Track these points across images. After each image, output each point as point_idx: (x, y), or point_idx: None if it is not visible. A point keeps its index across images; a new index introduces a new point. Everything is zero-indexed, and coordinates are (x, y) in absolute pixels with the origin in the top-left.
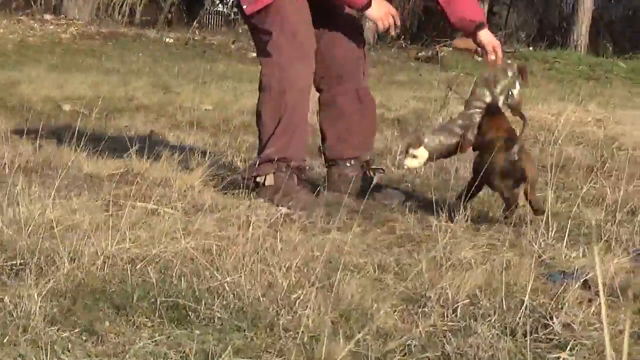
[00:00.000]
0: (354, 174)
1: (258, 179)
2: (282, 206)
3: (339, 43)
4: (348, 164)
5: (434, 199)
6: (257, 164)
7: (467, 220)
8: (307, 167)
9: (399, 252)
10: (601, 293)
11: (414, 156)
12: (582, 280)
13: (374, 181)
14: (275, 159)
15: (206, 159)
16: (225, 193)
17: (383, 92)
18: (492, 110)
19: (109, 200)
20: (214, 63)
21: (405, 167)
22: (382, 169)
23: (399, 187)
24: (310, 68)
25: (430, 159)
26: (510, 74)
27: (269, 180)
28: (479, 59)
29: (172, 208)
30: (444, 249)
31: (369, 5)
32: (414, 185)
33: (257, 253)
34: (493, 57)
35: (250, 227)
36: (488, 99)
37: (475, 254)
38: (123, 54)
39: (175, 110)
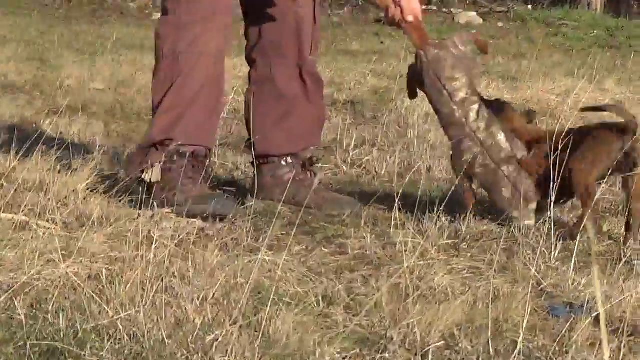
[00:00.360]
0: (290, 176)
1: (143, 175)
2: (167, 206)
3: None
4: (284, 162)
5: (397, 206)
6: (136, 151)
7: (442, 236)
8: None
9: (351, 279)
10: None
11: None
12: (594, 315)
13: (315, 183)
14: (158, 141)
15: (95, 155)
16: (120, 200)
17: (333, 66)
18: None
19: None
20: (107, 27)
21: (527, 225)
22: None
23: (352, 192)
24: (218, 29)
25: None
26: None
27: (155, 174)
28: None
29: (48, 221)
30: (411, 274)
31: None
32: (371, 188)
33: (162, 280)
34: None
35: (153, 246)
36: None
37: (453, 280)
38: None
39: (55, 90)
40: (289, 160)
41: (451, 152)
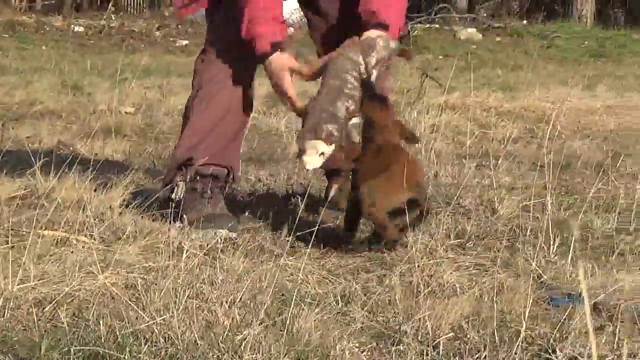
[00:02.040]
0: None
1: (172, 195)
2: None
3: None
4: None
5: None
6: (167, 171)
7: (449, 236)
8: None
9: (367, 279)
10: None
11: (322, 153)
12: (591, 304)
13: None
14: (181, 161)
15: (128, 173)
16: (152, 215)
17: None
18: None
19: (9, 229)
20: (135, 55)
21: (308, 167)
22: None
23: None
24: (243, 60)
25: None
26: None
27: (180, 192)
28: None
29: (86, 236)
30: (421, 272)
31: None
32: None
33: (193, 287)
34: None
35: (183, 256)
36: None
37: (460, 276)
38: (22, 47)
39: (88, 115)
40: None
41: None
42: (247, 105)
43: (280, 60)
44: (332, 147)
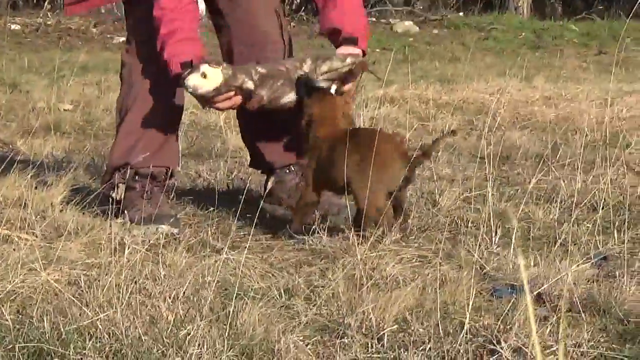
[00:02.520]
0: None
1: (112, 193)
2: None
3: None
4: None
5: (348, 205)
6: (104, 172)
7: (391, 229)
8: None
9: (310, 272)
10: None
11: (204, 75)
12: (534, 294)
13: (269, 186)
14: (117, 166)
15: (68, 170)
16: (94, 211)
17: None
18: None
19: None
20: (72, 52)
21: (188, 87)
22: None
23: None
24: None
25: (218, 91)
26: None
27: (120, 193)
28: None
29: (28, 233)
30: (364, 265)
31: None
32: None
33: (136, 282)
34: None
35: (125, 251)
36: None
37: (403, 269)
38: None
39: (27, 112)
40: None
41: None
42: (180, 99)
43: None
44: (218, 71)
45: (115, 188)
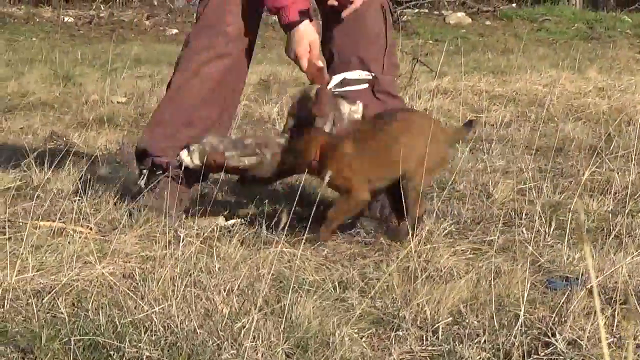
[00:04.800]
0: None
1: (139, 181)
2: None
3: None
4: None
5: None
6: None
7: (445, 221)
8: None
9: (364, 265)
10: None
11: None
12: (589, 287)
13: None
14: (140, 152)
15: (121, 162)
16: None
17: None
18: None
19: (5, 221)
20: (125, 44)
21: (182, 162)
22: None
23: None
24: (220, 55)
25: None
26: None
27: (144, 180)
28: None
29: (82, 226)
30: (418, 257)
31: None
32: None
33: (190, 275)
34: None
35: (180, 244)
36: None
37: (457, 261)
38: (12, 39)
39: (81, 105)
40: None
41: None
42: (223, 97)
43: (306, 29)
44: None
45: (142, 175)
